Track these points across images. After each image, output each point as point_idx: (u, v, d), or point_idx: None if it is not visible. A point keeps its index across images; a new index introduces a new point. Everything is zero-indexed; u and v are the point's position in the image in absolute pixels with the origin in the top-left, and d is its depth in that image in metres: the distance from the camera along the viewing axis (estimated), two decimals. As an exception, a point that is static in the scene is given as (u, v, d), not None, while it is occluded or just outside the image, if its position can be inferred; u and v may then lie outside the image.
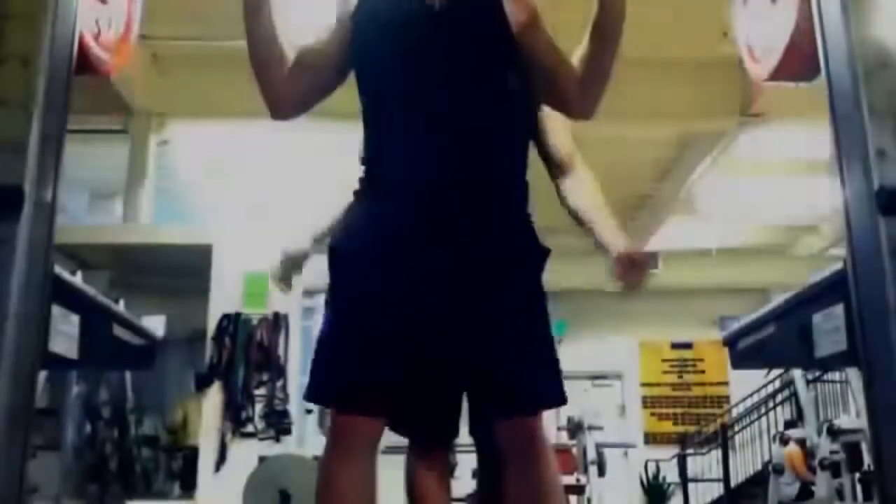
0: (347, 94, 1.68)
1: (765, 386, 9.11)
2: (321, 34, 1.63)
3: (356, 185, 1.64)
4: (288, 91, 1.61)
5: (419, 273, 1.50)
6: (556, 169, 2.13)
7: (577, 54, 1.58)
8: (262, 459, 4.88)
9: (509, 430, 1.53)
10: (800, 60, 1.59)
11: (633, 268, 1.92)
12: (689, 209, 8.00)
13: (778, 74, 1.67)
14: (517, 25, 1.58)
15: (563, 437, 6.34)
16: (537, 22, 1.60)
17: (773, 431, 7.75)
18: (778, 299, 1.74)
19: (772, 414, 9.02)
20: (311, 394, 1.54)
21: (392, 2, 1.60)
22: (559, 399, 1.55)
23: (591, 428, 6.07)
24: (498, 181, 1.59)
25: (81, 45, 1.59)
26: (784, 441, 5.83)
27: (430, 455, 2.02)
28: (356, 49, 1.60)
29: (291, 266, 2.34)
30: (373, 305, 1.50)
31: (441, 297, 1.50)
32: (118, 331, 1.70)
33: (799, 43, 1.56)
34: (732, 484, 8.32)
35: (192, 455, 5.76)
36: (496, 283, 1.52)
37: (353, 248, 1.56)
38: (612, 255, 1.96)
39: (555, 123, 2.08)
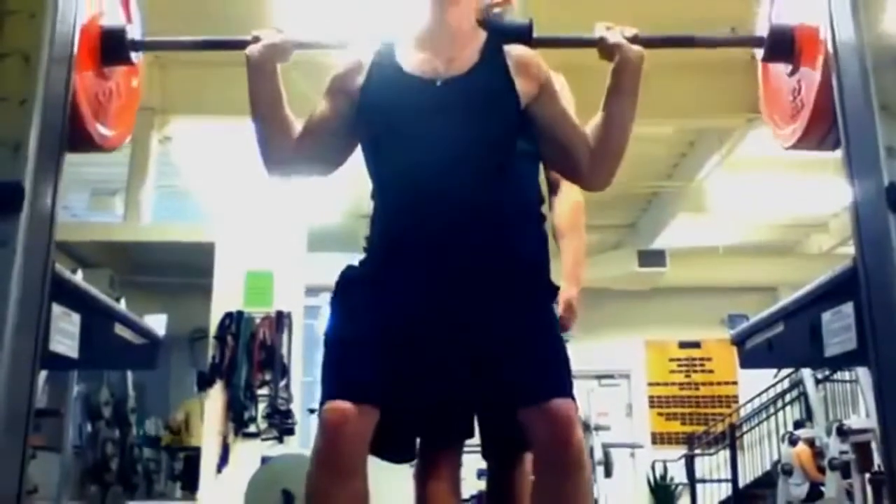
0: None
1: (773, 385, 9.06)
2: (325, 108, 1.63)
3: (364, 243, 1.65)
4: (291, 167, 1.65)
5: (426, 300, 1.51)
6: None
7: (590, 125, 1.58)
8: (264, 460, 4.85)
9: (542, 417, 1.44)
10: (822, 132, 1.58)
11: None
12: (697, 206, 7.97)
13: (800, 145, 1.68)
14: (527, 97, 1.58)
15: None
16: (548, 91, 1.60)
17: (782, 431, 7.70)
18: (787, 298, 1.73)
19: (781, 414, 8.96)
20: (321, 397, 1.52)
21: (397, 80, 1.59)
22: (569, 392, 1.51)
23: (597, 428, 6.05)
24: (508, 249, 1.58)
25: (81, 124, 1.53)
26: (793, 441, 5.81)
27: (441, 456, 2.00)
28: (361, 127, 1.61)
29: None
30: (376, 327, 1.51)
31: (448, 320, 1.50)
32: (119, 330, 1.68)
33: (820, 116, 1.55)
34: (741, 484, 8.28)
35: (193, 456, 5.75)
36: (503, 310, 1.52)
37: (357, 284, 1.58)
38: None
39: None
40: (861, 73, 1.39)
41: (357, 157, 1.69)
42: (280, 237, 5.70)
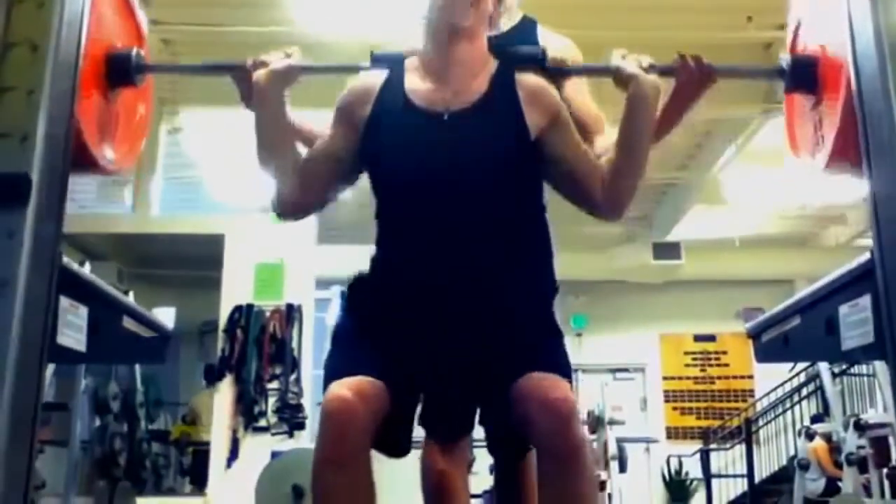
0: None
1: (790, 379, 9.01)
2: (332, 137, 1.62)
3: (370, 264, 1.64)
4: (298, 199, 1.61)
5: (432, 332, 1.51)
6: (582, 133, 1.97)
7: (605, 155, 1.56)
8: (274, 455, 4.83)
9: (540, 395, 1.41)
10: (844, 168, 1.54)
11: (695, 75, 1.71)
12: (713, 198, 7.92)
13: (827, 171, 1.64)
14: (537, 128, 1.55)
15: (584, 432, 6.29)
16: (560, 123, 1.58)
17: (798, 426, 7.66)
18: (803, 290, 1.70)
19: (797, 408, 8.92)
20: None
21: (403, 112, 1.57)
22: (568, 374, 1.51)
23: (611, 422, 6.02)
24: (512, 284, 1.56)
25: (82, 145, 1.49)
26: (810, 436, 5.78)
27: (447, 449, 1.99)
28: (367, 157, 1.59)
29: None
30: (382, 327, 1.52)
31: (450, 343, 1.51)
32: (128, 323, 1.68)
33: (841, 151, 1.51)
34: (757, 479, 8.25)
35: (203, 450, 5.76)
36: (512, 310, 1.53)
37: (368, 294, 1.59)
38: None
39: (574, 94, 2.01)
40: (878, 60, 1.36)
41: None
42: (290, 229, 5.67)
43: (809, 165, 1.73)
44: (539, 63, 1.67)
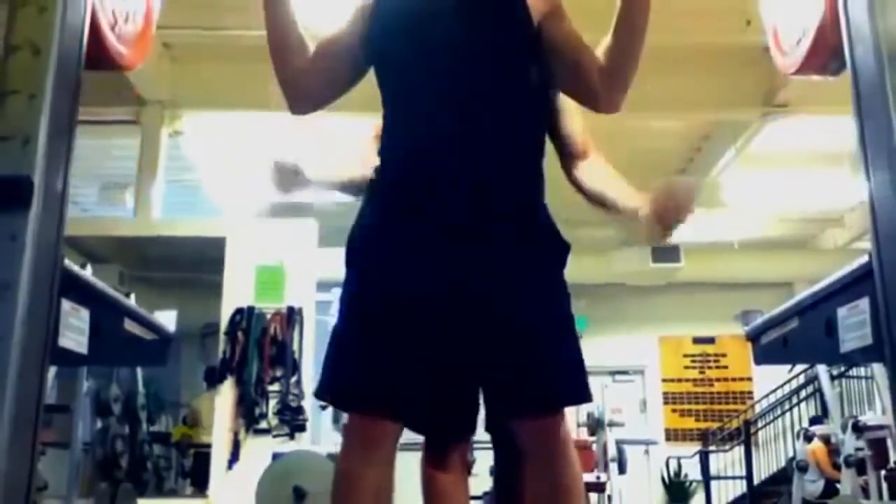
0: (360, 88, 1.67)
1: (788, 381, 9.01)
2: (340, 26, 1.63)
3: (373, 176, 1.62)
4: (306, 83, 1.61)
5: (439, 273, 1.48)
6: (570, 157, 2.02)
7: (601, 46, 1.56)
8: (275, 457, 4.83)
9: (531, 429, 1.50)
10: (827, 54, 1.57)
11: (671, 206, 1.73)
12: (712, 201, 7.92)
13: (804, 68, 1.66)
14: (539, 15, 1.57)
15: (583, 434, 6.29)
16: (559, 11, 1.59)
17: (797, 428, 7.66)
18: (802, 293, 1.71)
19: (796, 410, 8.92)
20: (329, 394, 1.53)
21: None
22: (583, 396, 1.52)
23: (611, 424, 6.01)
24: (515, 175, 1.57)
25: (97, 37, 1.55)
26: (808, 438, 5.77)
27: (447, 451, 2.00)
28: (374, 40, 1.60)
29: (285, 176, 2.11)
30: (392, 306, 1.49)
31: (462, 295, 1.48)
32: (129, 326, 1.69)
33: (826, 36, 1.54)
34: (755, 481, 8.25)
35: (204, 452, 5.74)
36: (518, 281, 1.50)
37: (370, 247, 1.55)
38: (648, 206, 1.75)
39: (569, 111, 2.03)
40: (877, 65, 1.36)
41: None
42: (291, 232, 5.69)
43: (788, 62, 1.74)
44: None
